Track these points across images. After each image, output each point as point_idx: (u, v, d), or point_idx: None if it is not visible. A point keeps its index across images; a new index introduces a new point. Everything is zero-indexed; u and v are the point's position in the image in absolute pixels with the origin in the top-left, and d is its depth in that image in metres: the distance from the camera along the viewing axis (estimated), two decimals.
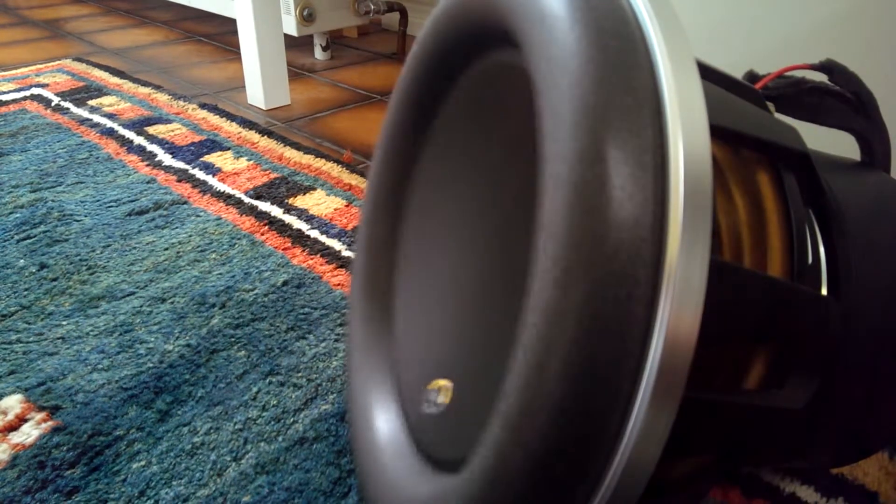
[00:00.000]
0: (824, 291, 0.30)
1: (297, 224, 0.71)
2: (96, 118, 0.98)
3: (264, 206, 0.75)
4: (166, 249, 0.66)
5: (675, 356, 0.22)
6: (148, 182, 0.80)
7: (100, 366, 0.51)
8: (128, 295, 0.59)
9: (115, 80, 1.15)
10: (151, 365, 0.51)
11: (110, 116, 0.99)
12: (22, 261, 0.64)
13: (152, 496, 0.41)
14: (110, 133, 0.93)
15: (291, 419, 0.47)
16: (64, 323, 0.56)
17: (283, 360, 0.52)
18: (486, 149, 0.39)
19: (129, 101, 1.04)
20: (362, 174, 0.82)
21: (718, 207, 0.29)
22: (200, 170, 0.83)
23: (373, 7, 1.26)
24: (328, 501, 0.41)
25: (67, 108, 1.01)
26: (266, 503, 0.41)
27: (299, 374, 0.51)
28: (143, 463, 0.43)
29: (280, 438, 0.45)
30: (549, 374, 0.22)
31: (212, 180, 0.80)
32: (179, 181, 0.80)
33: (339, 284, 0.61)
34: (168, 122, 0.97)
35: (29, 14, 1.69)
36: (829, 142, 0.39)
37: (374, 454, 0.38)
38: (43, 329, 0.55)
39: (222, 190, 0.78)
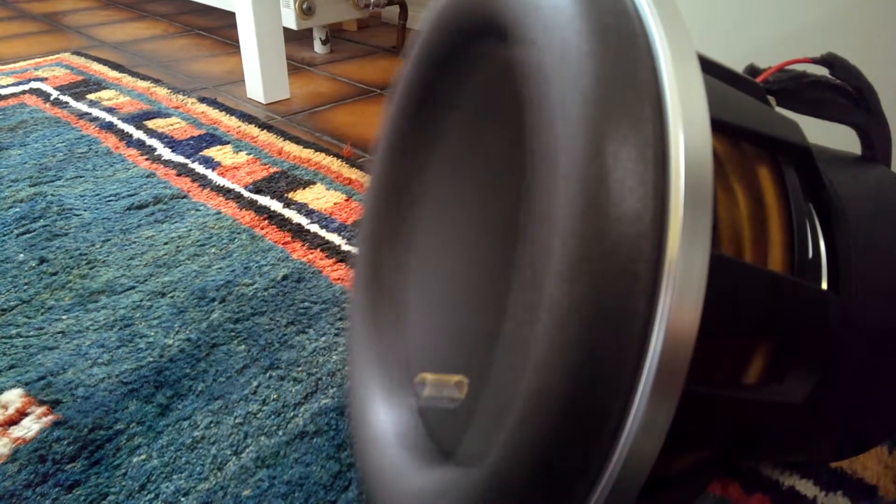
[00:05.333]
0: (825, 286, 0.30)
1: (297, 218, 0.71)
2: (95, 112, 0.97)
3: (264, 200, 0.75)
4: (166, 244, 0.66)
5: (676, 350, 0.22)
6: (147, 176, 0.80)
7: (100, 360, 0.51)
8: (128, 289, 0.59)
9: (114, 73, 1.14)
10: (151, 359, 0.51)
11: (109, 110, 0.98)
12: (21, 255, 0.64)
13: (153, 490, 0.41)
14: (109, 127, 0.93)
15: (291, 413, 0.47)
16: (64, 317, 0.56)
17: (283, 355, 0.52)
18: (488, 143, 0.39)
19: (129, 95, 1.04)
20: (362, 168, 0.82)
21: (719, 202, 0.29)
22: (200, 164, 0.83)
23: (372, 0, 1.26)
24: (328, 495, 0.41)
25: (66, 102, 1.01)
26: (266, 497, 0.41)
27: (299, 369, 0.51)
28: (143, 457, 0.43)
29: (280, 432, 0.45)
30: (550, 368, 0.22)
31: (211, 174, 0.80)
32: (179, 175, 0.80)
33: (339, 279, 0.61)
34: (167, 116, 0.97)
35: (27, 7, 1.69)
36: (830, 136, 0.39)
37: (375, 448, 0.39)
38: (43, 323, 0.55)
39: (222, 184, 0.78)
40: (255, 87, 1.06)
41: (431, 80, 0.41)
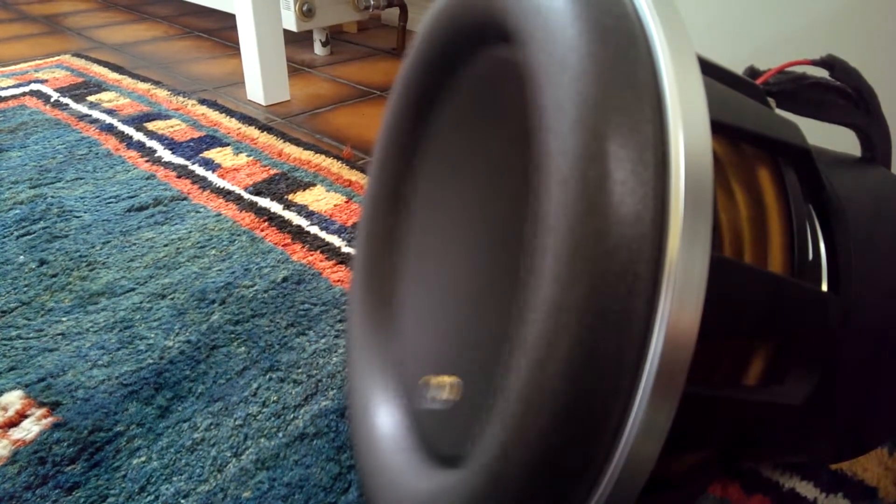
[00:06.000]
0: (825, 287, 0.30)
1: (297, 220, 0.71)
2: (95, 114, 0.97)
3: (264, 202, 0.75)
4: (166, 246, 0.66)
5: (676, 352, 0.22)
6: (147, 178, 0.80)
7: (100, 362, 0.51)
8: (128, 291, 0.59)
9: (114, 75, 1.14)
10: (151, 361, 0.51)
11: (110, 112, 0.98)
12: (21, 257, 0.64)
13: (152, 492, 0.41)
14: (109, 129, 0.93)
15: (291, 415, 0.47)
16: (64, 319, 0.56)
17: (283, 357, 0.52)
18: (487, 145, 0.39)
19: (129, 97, 1.04)
20: (362, 170, 0.82)
21: (719, 203, 0.29)
22: (200, 166, 0.83)
23: (372, 2, 1.26)
24: (328, 497, 0.41)
25: (66, 104, 1.01)
26: (266, 499, 0.41)
27: (299, 371, 0.51)
28: (143, 459, 0.43)
29: (280, 434, 0.45)
30: (551, 370, 0.22)
31: (211, 176, 0.80)
32: (179, 177, 0.80)
33: (339, 280, 0.61)
34: (167, 117, 0.97)
35: (28, 9, 1.69)
36: (829, 137, 0.39)
37: (374, 450, 0.39)
38: (43, 325, 0.55)
39: (222, 186, 0.78)
40: (256, 89, 1.06)
41: (430, 82, 0.41)
